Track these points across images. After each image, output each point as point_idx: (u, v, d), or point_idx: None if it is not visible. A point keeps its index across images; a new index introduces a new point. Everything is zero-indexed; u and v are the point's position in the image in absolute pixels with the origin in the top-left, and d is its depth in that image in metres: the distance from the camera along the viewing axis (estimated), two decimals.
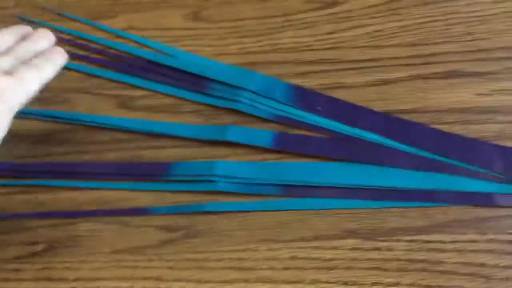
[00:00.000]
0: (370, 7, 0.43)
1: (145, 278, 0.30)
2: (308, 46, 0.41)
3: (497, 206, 0.32)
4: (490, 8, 0.42)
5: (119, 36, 0.41)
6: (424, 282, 0.29)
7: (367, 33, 0.41)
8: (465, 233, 0.31)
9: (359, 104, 0.37)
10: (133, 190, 0.34)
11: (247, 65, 0.40)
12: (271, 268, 0.30)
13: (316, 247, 0.31)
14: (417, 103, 0.37)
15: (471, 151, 0.34)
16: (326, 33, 0.41)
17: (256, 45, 0.41)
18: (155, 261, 0.31)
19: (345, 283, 0.30)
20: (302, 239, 0.31)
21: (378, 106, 0.37)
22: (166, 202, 0.33)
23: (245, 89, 0.38)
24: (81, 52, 0.40)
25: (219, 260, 0.31)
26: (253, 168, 0.34)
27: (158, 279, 0.30)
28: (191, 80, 0.39)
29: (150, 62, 0.40)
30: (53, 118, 0.37)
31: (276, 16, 0.42)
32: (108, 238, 0.32)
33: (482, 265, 0.30)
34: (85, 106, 0.38)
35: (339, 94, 0.38)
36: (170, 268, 0.31)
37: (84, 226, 0.32)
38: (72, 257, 0.31)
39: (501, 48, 0.40)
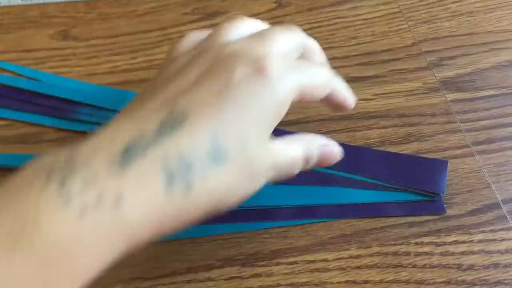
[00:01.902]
0: (252, 15, 0.41)
1: None
2: None
3: (382, 216, 0.30)
4: (374, 10, 0.42)
5: None
6: None
7: None
8: (349, 249, 0.29)
9: None
10: None
11: (121, 84, 0.37)
12: None
13: (189, 281, 0.28)
14: (300, 113, 0.35)
15: (354, 160, 0.32)
16: None
17: (130, 63, 0.38)
18: None
19: None
20: (174, 273, 0.28)
21: None
22: None
23: (115, 111, 0.34)
24: None
25: None
26: None
27: None
28: (55, 105, 0.35)
29: (8, 87, 0.36)
30: None
31: (152, 31, 0.40)
32: None
33: (366, 282, 0.28)
34: None
35: None
36: None
37: None
38: None
39: (384, 50, 0.39)
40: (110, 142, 0.21)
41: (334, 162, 0.27)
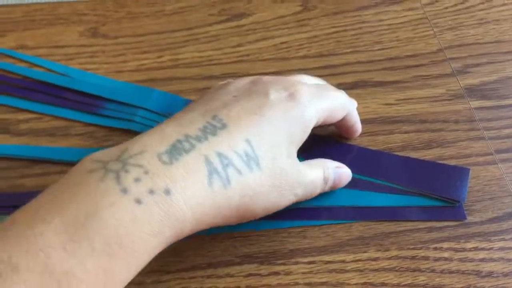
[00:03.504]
0: (278, 18, 0.42)
1: None
2: (211, 60, 0.39)
3: (401, 220, 0.30)
4: (399, 16, 0.42)
5: (6, 56, 0.38)
6: None
7: (274, 45, 0.40)
8: (367, 251, 0.29)
9: None
10: None
11: (147, 82, 0.37)
12: None
13: (209, 276, 0.28)
14: None
15: (374, 164, 0.33)
16: (231, 46, 0.40)
17: (156, 61, 0.39)
18: None
19: None
20: (194, 268, 0.29)
21: None
22: None
23: (140, 107, 0.35)
24: None
25: None
26: None
27: None
28: (83, 100, 0.36)
29: (39, 82, 0.37)
30: None
31: (179, 30, 0.41)
32: None
33: (383, 284, 0.28)
34: None
35: None
36: None
37: None
38: None
39: (409, 56, 0.39)
40: (158, 140, 0.23)
41: (346, 182, 0.30)
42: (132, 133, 0.34)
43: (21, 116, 0.35)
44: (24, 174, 0.32)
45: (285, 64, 0.39)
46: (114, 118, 0.35)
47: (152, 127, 0.33)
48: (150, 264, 0.28)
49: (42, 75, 0.37)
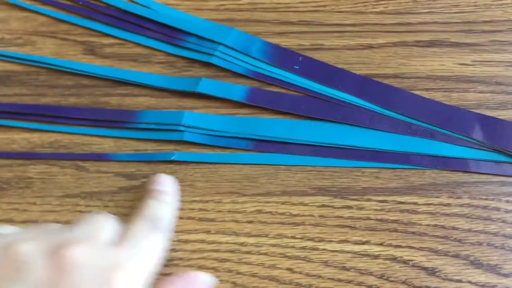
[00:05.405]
0: None
1: None
2: (289, 7, 0.39)
3: (473, 172, 0.31)
4: None
5: None
6: (395, 242, 0.28)
7: None
8: (439, 197, 0.30)
9: (338, 66, 0.36)
10: (93, 135, 0.32)
11: (225, 21, 0.38)
12: (234, 221, 0.29)
13: (283, 202, 0.29)
14: (398, 68, 0.36)
15: (450, 118, 0.33)
16: None
17: (235, 3, 0.39)
18: (110, 207, 0.29)
19: (311, 239, 0.28)
20: (269, 194, 0.30)
21: (358, 70, 0.36)
22: (128, 149, 0.31)
23: (220, 44, 0.36)
24: None
25: (179, 210, 0.29)
26: (223, 121, 0.32)
27: None
28: (164, 32, 0.37)
29: (122, 11, 0.38)
30: (13, 59, 0.35)
31: None
32: (62, 181, 0.30)
33: (454, 228, 0.28)
34: (50, 50, 0.35)
35: (318, 56, 0.36)
36: (126, 215, 0.29)
37: (36, 169, 0.30)
38: (21, 199, 0.29)
39: (486, 21, 0.39)
40: None
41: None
42: (213, 67, 0.35)
43: (106, 40, 0.36)
44: (108, 93, 0.34)
45: (361, 18, 0.39)
46: (194, 51, 0.36)
47: (231, 63, 0.35)
48: (227, 187, 0.29)
49: (125, 4, 0.38)
